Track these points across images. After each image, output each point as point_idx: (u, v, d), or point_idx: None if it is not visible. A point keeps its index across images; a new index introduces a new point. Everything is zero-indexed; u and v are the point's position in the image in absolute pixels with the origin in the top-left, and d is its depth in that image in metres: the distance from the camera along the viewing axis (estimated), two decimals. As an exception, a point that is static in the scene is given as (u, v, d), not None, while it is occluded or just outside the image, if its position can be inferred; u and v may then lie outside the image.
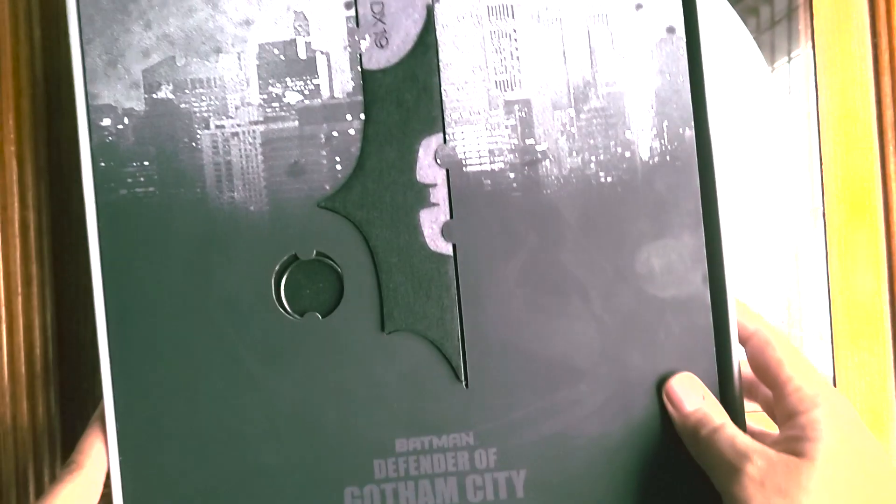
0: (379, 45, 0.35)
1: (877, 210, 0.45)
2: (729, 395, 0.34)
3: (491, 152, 0.35)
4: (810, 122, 0.45)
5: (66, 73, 0.43)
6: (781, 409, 0.31)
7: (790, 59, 0.45)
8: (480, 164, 0.35)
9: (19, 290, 0.42)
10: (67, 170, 0.42)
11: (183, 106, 0.35)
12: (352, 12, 0.35)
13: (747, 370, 0.34)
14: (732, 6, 0.45)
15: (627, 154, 0.35)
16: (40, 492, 0.42)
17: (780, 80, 0.45)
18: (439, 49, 0.35)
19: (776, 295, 0.45)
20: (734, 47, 0.45)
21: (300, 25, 0.35)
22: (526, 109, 0.35)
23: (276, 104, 0.35)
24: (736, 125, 0.45)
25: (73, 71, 0.34)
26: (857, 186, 0.45)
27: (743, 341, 0.34)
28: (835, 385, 0.44)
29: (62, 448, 0.42)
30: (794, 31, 0.45)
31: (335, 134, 0.35)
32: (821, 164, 0.45)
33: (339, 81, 0.35)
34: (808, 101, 0.46)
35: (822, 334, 0.45)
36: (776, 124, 0.45)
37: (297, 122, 0.35)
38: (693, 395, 0.33)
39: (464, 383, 0.35)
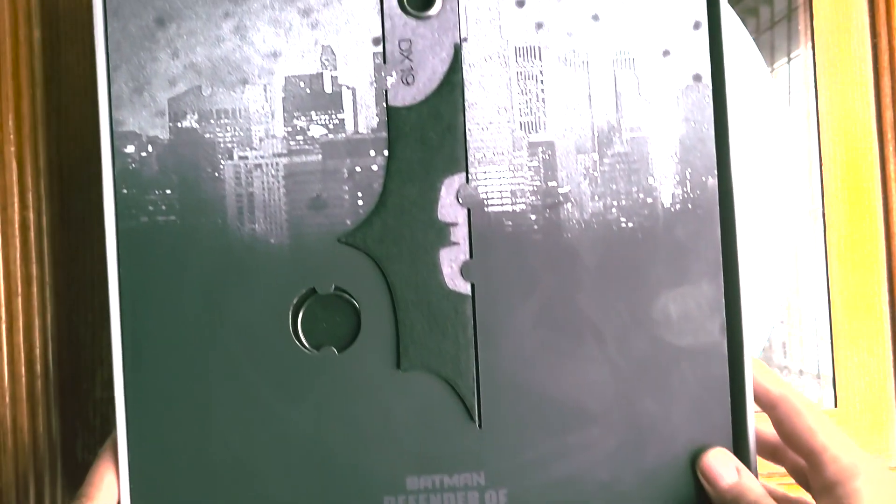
0: (405, 82, 0.35)
1: (876, 210, 0.45)
2: (742, 448, 0.34)
3: (513, 193, 0.35)
4: (810, 122, 0.45)
5: (66, 73, 0.43)
6: (819, 478, 0.31)
7: (790, 59, 0.45)
8: (502, 204, 0.35)
9: (19, 290, 0.42)
10: (67, 170, 0.43)
11: (207, 136, 0.35)
12: (379, 48, 0.35)
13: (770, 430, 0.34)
14: (732, 6, 0.45)
15: (649, 200, 0.35)
16: (40, 493, 0.42)
17: (780, 81, 0.45)
18: (465, 88, 0.35)
19: (776, 295, 0.45)
20: (733, 48, 0.45)
21: (327, 59, 0.35)
22: (549, 152, 0.35)
23: (300, 137, 0.35)
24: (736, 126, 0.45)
25: (98, 96, 0.34)
26: (857, 187, 0.45)
27: (769, 407, 0.34)
28: (834, 385, 0.45)
29: (61, 449, 0.42)
30: (794, 32, 0.45)
31: (358, 169, 0.35)
32: (820, 165, 0.45)
33: (364, 117, 0.35)
34: (807, 102, 0.45)
35: (822, 334, 0.45)
36: (776, 125, 0.45)
37: (320, 156, 0.35)
38: (728, 470, 0.33)
39: (477, 423, 0.35)
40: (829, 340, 0.45)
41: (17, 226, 0.42)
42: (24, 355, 0.42)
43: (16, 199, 0.42)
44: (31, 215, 0.42)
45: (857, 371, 0.45)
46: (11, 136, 0.42)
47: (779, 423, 0.33)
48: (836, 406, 0.44)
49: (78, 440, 0.42)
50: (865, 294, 0.45)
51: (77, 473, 0.42)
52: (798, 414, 0.32)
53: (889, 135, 0.45)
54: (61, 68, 0.43)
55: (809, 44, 0.45)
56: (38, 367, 0.42)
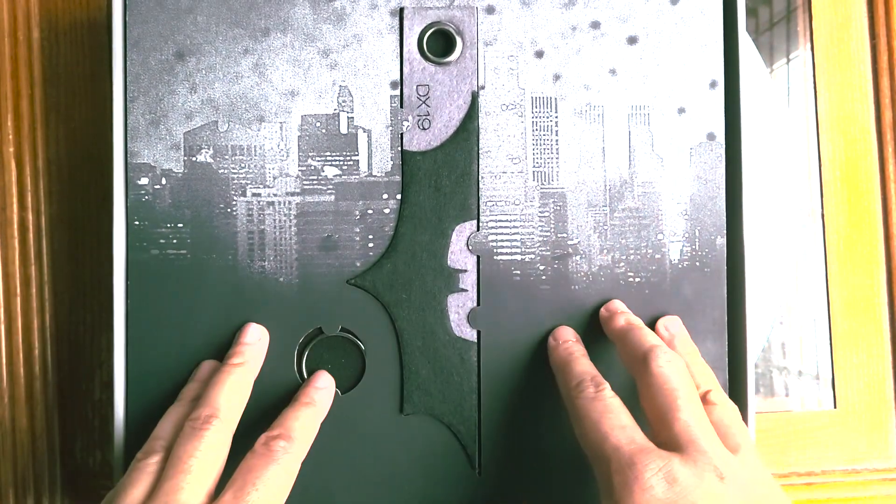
0: (421, 127, 0.35)
1: (875, 211, 0.45)
2: None
3: (523, 243, 0.35)
4: (809, 123, 0.45)
5: (65, 74, 0.43)
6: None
7: (789, 60, 0.45)
8: (511, 253, 0.35)
9: (18, 291, 0.42)
10: (66, 171, 0.42)
11: (221, 171, 0.35)
12: (397, 92, 0.35)
13: None
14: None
15: (657, 256, 0.35)
16: (39, 493, 0.41)
17: (779, 82, 0.46)
18: (480, 136, 0.35)
19: (775, 296, 0.45)
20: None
21: (344, 101, 0.35)
22: (561, 203, 0.35)
23: (313, 177, 0.35)
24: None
25: (113, 127, 0.34)
26: (856, 187, 0.45)
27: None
28: (833, 386, 0.44)
29: (60, 449, 0.42)
30: (793, 33, 0.46)
31: (370, 212, 0.35)
32: (819, 166, 0.45)
33: (379, 159, 0.35)
34: (806, 103, 0.46)
35: (821, 335, 0.45)
36: (775, 126, 0.45)
37: (333, 197, 0.35)
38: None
39: (477, 470, 0.35)
40: (829, 341, 0.45)
41: (15, 226, 0.42)
42: (22, 356, 0.42)
43: (14, 200, 0.42)
44: (30, 216, 0.42)
45: (856, 372, 0.45)
46: (10, 137, 0.42)
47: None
48: (835, 407, 0.44)
49: (77, 441, 0.42)
50: (864, 295, 0.45)
51: (76, 474, 0.42)
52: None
53: (888, 135, 0.45)
54: (60, 68, 0.43)
55: (808, 45, 0.45)
56: (37, 368, 0.42)
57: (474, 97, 0.35)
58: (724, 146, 0.35)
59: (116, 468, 0.34)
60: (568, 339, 0.34)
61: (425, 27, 0.35)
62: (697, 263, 0.35)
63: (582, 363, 0.33)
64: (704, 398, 0.32)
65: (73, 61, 0.43)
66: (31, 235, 0.42)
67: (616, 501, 0.28)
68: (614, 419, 0.30)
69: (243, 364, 0.33)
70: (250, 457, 0.30)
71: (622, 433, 0.29)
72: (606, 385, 0.31)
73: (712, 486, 0.28)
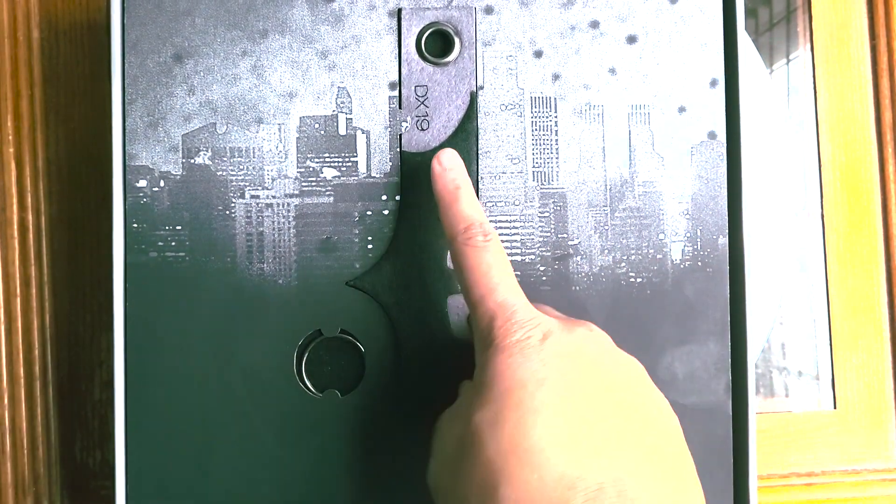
0: (420, 127, 0.35)
1: (875, 212, 0.45)
2: (743, 509, 0.34)
3: (523, 243, 0.35)
4: (809, 124, 0.45)
5: (64, 74, 0.43)
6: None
7: (789, 61, 0.45)
8: (511, 254, 0.35)
9: (18, 291, 0.42)
10: (66, 171, 0.42)
11: (220, 173, 0.35)
12: (395, 93, 0.35)
13: None
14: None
15: (659, 256, 0.35)
16: (39, 493, 0.42)
17: (779, 83, 0.45)
18: (479, 136, 0.35)
19: (774, 296, 0.45)
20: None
21: (342, 102, 0.35)
22: (561, 203, 0.35)
23: (312, 179, 0.35)
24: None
25: (112, 130, 0.34)
26: (856, 188, 0.45)
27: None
28: (833, 386, 0.45)
29: (60, 450, 0.42)
30: (793, 33, 0.45)
31: (369, 213, 0.35)
32: (819, 166, 0.45)
33: (378, 161, 0.35)
34: (806, 104, 0.45)
35: (821, 335, 0.45)
36: (775, 126, 0.45)
37: (332, 199, 0.35)
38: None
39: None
40: (829, 341, 0.45)
41: (15, 227, 0.42)
42: (22, 356, 0.42)
43: (14, 201, 0.42)
44: (30, 216, 0.42)
45: (856, 372, 0.45)
46: (10, 137, 0.42)
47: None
48: (835, 407, 0.44)
49: (76, 441, 0.42)
50: (864, 295, 0.45)
51: (76, 474, 0.42)
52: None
53: (888, 136, 0.45)
54: (60, 69, 0.43)
55: (808, 45, 0.45)
56: (37, 368, 0.42)
57: (473, 97, 0.35)
58: (725, 145, 0.35)
59: (116, 468, 0.34)
60: (454, 168, 0.32)
61: (423, 28, 0.35)
62: (699, 263, 0.35)
63: (470, 204, 0.31)
64: None
65: (73, 62, 0.43)
66: (30, 236, 0.42)
67: (493, 351, 0.28)
68: (498, 274, 0.30)
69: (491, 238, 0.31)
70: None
71: (505, 291, 0.30)
72: (494, 235, 0.31)
73: (584, 341, 0.29)
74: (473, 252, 0.30)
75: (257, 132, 0.35)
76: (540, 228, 0.35)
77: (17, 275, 0.42)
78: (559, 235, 0.35)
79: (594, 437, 0.27)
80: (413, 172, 0.35)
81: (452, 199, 0.31)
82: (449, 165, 0.32)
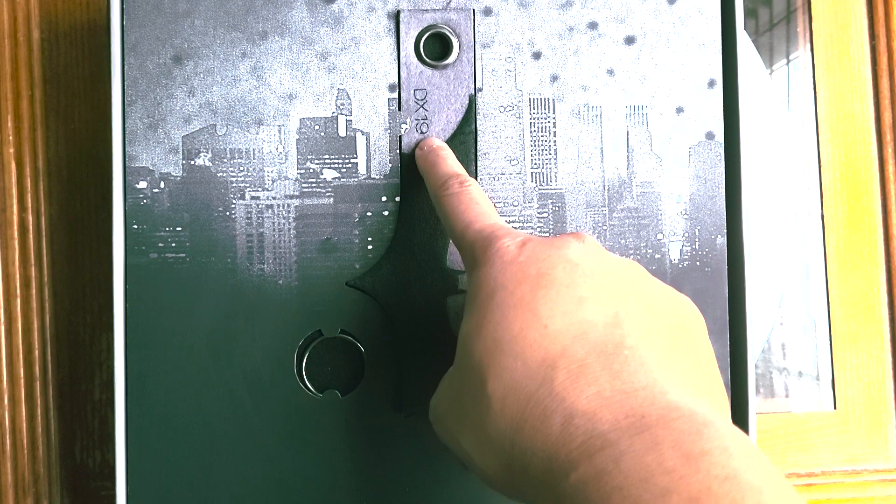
0: (419, 130, 0.35)
1: (875, 212, 0.45)
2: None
3: (522, 244, 0.35)
4: (808, 124, 0.45)
5: (65, 74, 0.43)
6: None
7: (789, 61, 0.45)
8: (511, 255, 0.35)
9: (18, 292, 0.42)
10: (66, 172, 0.43)
11: (220, 175, 0.35)
12: (394, 95, 0.35)
13: None
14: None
15: (657, 256, 0.35)
16: (39, 494, 0.42)
17: (779, 83, 0.46)
18: (478, 138, 0.35)
19: (775, 296, 0.45)
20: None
21: (342, 104, 0.35)
22: (560, 204, 0.35)
23: (312, 180, 0.35)
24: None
25: (112, 131, 0.34)
26: (855, 188, 0.45)
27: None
28: (833, 387, 0.45)
29: (60, 450, 0.42)
30: (793, 34, 0.46)
31: (369, 214, 0.35)
32: (819, 166, 0.45)
33: (377, 162, 0.35)
34: (806, 104, 0.46)
35: (821, 336, 0.45)
36: (775, 127, 0.45)
37: (332, 200, 0.35)
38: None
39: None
40: (829, 342, 0.45)
41: (15, 227, 0.42)
42: (22, 357, 0.42)
43: (14, 201, 0.42)
44: (30, 217, 0.42)
45: (855, 373, 0.45)
46: (10, 138, 0.42)
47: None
48: (835, 408, 0.44)
49: (76, 441, 0.42)
50: (864, 296, 0.45)
51: (76, 474, 0.42)
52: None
53: (887, 136, 0.45)
54: (60, 69, 0.43)
55: (808, 45, 0.45)
56: (37, 369, 0.42)
57: (472, 100, 0.35)
58: (723, 145, 0.35)
59: (117, 468, 0.34)
60: (433, 146, 0.34)
61: (422, 30, 0.35)
62: (698, 263, 0.35)
63: (448, 163, 0.33)
64: None
65: (73, 62, 0.43)
66: (31, 236, 0.42)
67: (476, 271, 0.28)
68: (478, 208, 0.31)
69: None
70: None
71: (486, 219, 0.30)
72: (472, 181, 0.32)
73: (567, 249, 0.28)
74: (452, 197, 0.31)
75: (257, 134, 0.35)
76: (539, 229, 0.35)
77: (18, 275, 0.42)
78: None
79: (584, 320, 0.26)
80: (412, 174, 0.35)
81: (432, 165, 0.33)
82: (427, 146, 0.34)
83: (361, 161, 0.35)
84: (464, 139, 0.35)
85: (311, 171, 0.35)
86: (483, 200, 0.31)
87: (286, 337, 0.35)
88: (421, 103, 0.35)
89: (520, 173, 0.35)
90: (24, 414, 0.42)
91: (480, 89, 0.35)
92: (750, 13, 0.46)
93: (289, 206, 0.35)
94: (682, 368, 0.26)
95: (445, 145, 0.34)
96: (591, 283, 0.27)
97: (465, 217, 0.30)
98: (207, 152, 0.35)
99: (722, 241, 0.35)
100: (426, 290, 0.35)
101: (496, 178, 0.35)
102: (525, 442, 0.25)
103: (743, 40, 0.35)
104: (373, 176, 0.35)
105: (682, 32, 0.35)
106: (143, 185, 0.35)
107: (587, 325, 0.26)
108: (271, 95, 0.35)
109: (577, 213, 0.35)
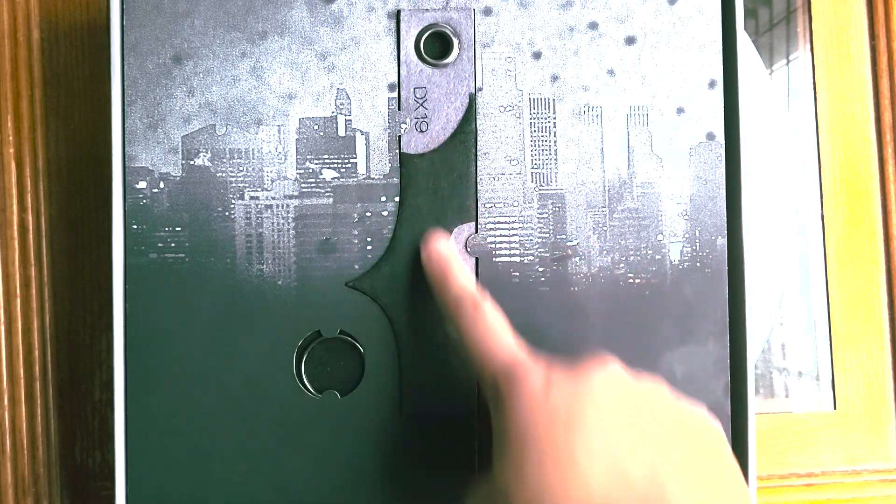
0: (419, 129, 0.35)
1: (875, 212, 0.45)
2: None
3: (521, 244, 0.35)
4: (808, 124, 0.45)
5: (65, 74, 0.43)
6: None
7: (789, 61, 0.45)
8: (510, 255, 0.35)
9: (18, 292, 0.42)
10: (66, 172, 0.43)
11: (219, 175, 0.35)
12: (394, 94, 0.35)
13: None
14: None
15: (658, 257, 0.35)
16: (39, 494, 0.42)
17: (779, 83, 0.45)
18: (478, 138, 0.35)
19: (775, 296, 0.45)
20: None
21: (342, 103, 0.35)
22: (560, 204, 0.35)
23: (311, 180, 0.35)
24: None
25: (111, 131, 0.34)
26: (855, 188, 0.45)
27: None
28: (833, 387, 0.45)
29: (60, 450, 0.42)
30: (793, 34, 0.45)
31: (368, 214, 0.35)
32: (819, 167, 0.45)
33: (377, 162, 0.35)
34: (806, 104, 0.45)
35: (821, 336, 0.45)
36: (775, 127, 0.45)
37: (331, 200, 0.35)
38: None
39: (477, 470, 0.35)
40: (828, 342, 0.45)
41: (15, 227, 0.42)
42: (22, 357, 0.42)
43: (14, 201, 0.42)
44: (30, 217, 0.42)
45: (855, 373, 0.45)
46: (10, 138, 0.42)
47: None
48: (835, 408, 0.44)
49: (76, 442, 0.42)
50: (864, 296, 0.45)
51: (76, 474, 0.42)
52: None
53: (887, 136, 0.45)
54: (60, 69, 0.43)
55: (808, 46, 0.45)
56: (37, 369, 0.42)
57: (472, 99, 0.35)
58: (723, 146, 0.35)
59: (116, 469, 0.34)
60: (440, 253, 0.34)
61: (422, 29, 0.35)
62: (698, 264, 0.35)
63: (458, 281, 0.33)
64: None
65: (73, 62, 0.43)
66: (30, 236, 0.42)
67: (502, 409, 0.29)
68: (495, 336, 0.31)
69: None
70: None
71: (505, 351, 0.30)
72: (485, 301, 0.32)
73: (591, 384, 0.29)
74: (468, 323, 0.31)
75: (257, 133, 0.35)
76: (538, 230, 0.35)
77: (18, 275, 0.42)
78: (558, 236, 0.35)
79: (624, 475, 0.27)
80: (412, 174, 0.35)
81: (441, 279, 0.33)
82: (435, 249, 0.34)
83: (361, 161, 0.35)
84: (464, 139, 0.35)
85: (311, 171, 0.35)
86: (498, 323, 0.31)
87: (285, 337, 0.35)
88: (420, 102, 0.35)
89: (520, 173, 0.35)
90: (24, 414, 0.42)
91: (480, 89, 0.35)
92: (750, 13, 0.46)
93: (288, 206, 0.35)
94: (716, 500, 0.27)
95: (452, 248, 0.34)
96: (621, 427, 0.28)
97: (483, 347, 0.31)
98: (207, 152, 0.35)
99: (722, 242, 0.35)
100: (426, 290, 0.35)
101: (496, 178, 0.35)
102: None
103: (743, 40, 0.35)
104: (372, 176, 0.35)
105: (683, 33, 0.35)
106: (142, 185, 0.35)
107: (628, 481, 0.27)
108: (271, 95, 0.35)
109: (578, 214, 0.35)
